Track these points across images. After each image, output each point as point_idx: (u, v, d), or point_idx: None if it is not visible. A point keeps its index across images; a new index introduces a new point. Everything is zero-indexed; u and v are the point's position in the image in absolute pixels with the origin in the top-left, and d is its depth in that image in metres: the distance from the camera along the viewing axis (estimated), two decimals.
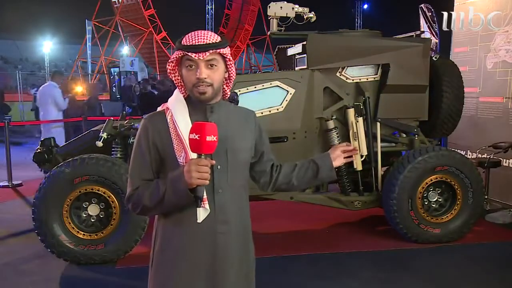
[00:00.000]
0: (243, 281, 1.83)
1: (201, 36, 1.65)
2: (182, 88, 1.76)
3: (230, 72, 1.76)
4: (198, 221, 1.67)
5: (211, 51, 1.64)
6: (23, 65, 31.52)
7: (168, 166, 1.71)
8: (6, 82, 23.51)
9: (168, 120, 1.72)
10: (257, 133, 1.87)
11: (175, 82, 1.77)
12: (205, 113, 1.72)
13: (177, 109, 1.73)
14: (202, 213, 1.67)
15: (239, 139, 1.78)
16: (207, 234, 1.71)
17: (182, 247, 1.72)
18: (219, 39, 1.67)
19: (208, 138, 1.53)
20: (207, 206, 1.67)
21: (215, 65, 1.67)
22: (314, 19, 5.01)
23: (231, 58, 1.74)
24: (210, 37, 1.65)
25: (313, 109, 4.45)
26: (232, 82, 1.80)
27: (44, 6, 30.02)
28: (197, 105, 1.73)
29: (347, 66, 4.58)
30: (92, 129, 4.96)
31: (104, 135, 4.30)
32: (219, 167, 1.70)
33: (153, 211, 1.73)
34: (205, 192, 1.63)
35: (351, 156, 1.95)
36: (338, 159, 1.92)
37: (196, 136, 1.53)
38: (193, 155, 1.61)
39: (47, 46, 29.67)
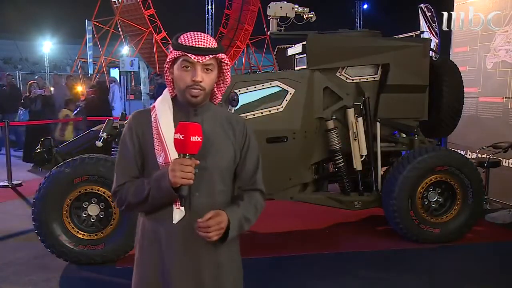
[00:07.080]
0: (224, 284, 1.78)
1: (201, 38, 1.64)
2: (171, 88, 1.75)
3: (226, 77, 1.75)
4: (174, 222, 1.69)
5: (211, 56, 1.64)
6: (23, 65, 31.54)
7: (149, 165, 1.72)
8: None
9: (152, 119, 1.73)
10: (242, 144, 1.79)
11: (166, 80, 1.76)
12: (188, 115, 1.71)
13: (161, 109, 1.74)
14: (177, 215, 1.69)
15: (219, 145, 1.73)
16: (182, 235, 1.70)
17: (158, 247, 1.73)
18: (216, 44, 1.67)
19: (193, 138, 1.54)
20: (182, 208, 1.68)
21: (211, 70, 1.67)
22: (314, 19, 5.02)
23: (228, 63, 1.73)
24: (209, 41, 1.65)
25: (313, 109, 4.44)
26: (226, 88, 1.79)
27: (44, 6, 30.01)
28: (182, 106, 1.73)
29: (347, 66, 4.58)
30: (92, 129, 4.96)
31: (104, 135, 4.30)
32: (197, 170, 1.62)
33: (137, 208, 1.74)
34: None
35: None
36: None
37: (181, 136, 1.54)
38: (174, 156, 1.62)
39: (47, 46, 29.68)
